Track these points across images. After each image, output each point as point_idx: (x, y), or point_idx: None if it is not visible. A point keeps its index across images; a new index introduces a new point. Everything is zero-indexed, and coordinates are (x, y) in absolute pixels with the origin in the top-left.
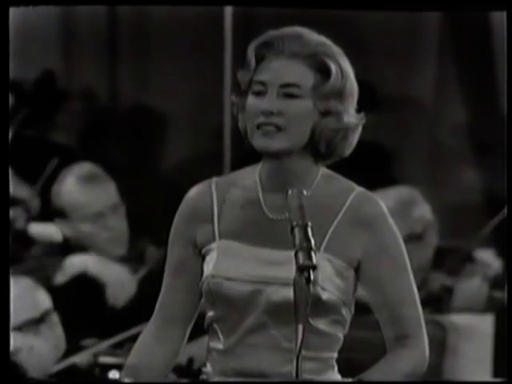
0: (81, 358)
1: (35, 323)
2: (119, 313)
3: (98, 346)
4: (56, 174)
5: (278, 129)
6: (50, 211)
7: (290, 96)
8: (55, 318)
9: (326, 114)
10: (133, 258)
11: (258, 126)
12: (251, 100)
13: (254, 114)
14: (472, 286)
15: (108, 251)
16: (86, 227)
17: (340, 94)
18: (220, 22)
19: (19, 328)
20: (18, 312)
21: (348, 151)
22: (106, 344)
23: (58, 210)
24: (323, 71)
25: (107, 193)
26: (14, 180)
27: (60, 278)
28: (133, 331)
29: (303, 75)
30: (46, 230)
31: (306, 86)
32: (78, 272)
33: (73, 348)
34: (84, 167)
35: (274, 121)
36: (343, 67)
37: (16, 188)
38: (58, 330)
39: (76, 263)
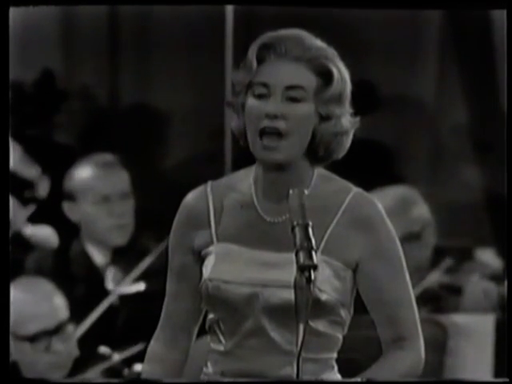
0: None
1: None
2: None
3: (110, 359)
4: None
5: (280, 135)
6: (58, 196)
7: (294, 100)
8: (71, 330)
9: (326, 118)
10: (132, 254)
11: (262, 131)
12: (253, 103)
13: (258, 117)
14: (482, 286)
15: (109, 239)
16: (92, 210)
17: (339, 98)
18: (221, 21)
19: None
20: (37, 315)
21: (342, 154)
22: (121, 355)
23: (68, 192)
24: (324, 75)
25: (118, 180)
26: (24, 160)
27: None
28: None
29: (306, 78)
30: (41, 233)
31: (310, 89)
32: None
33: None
34: (101, 156)
35: (277, 125)
36: (342, 71)
37: (25, 168)
38: (72, 343)
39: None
